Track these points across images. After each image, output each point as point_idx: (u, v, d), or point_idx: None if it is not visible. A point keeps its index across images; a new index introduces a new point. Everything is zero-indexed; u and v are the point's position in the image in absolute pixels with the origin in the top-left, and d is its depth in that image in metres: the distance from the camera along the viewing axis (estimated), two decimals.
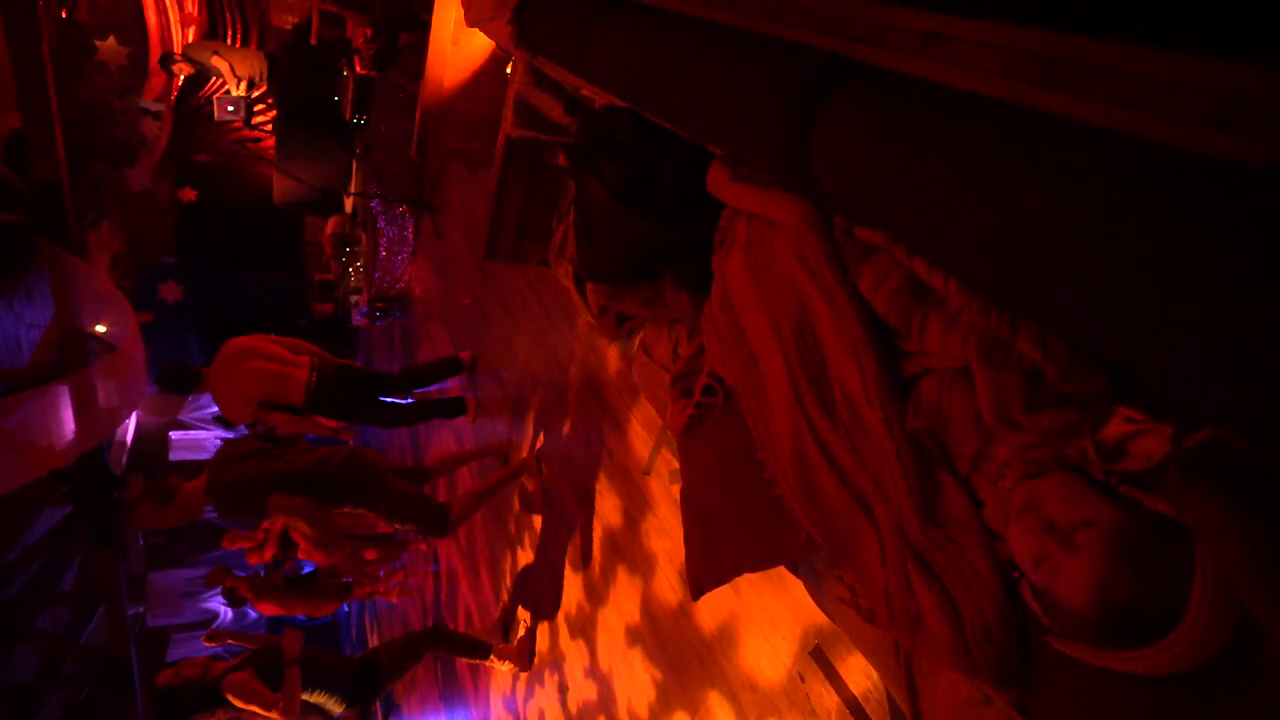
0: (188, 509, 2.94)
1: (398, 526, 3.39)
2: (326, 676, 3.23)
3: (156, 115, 7.66)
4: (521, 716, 3.84)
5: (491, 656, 3.73)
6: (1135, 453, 0.66)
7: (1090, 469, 0.72)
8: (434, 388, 4.88)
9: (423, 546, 5.86)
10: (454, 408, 4.60)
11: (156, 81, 7.60)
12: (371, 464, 3.21)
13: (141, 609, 10.56)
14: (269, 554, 5.09)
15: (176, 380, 3.73)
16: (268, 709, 2.92)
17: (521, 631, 3.75)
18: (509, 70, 2.29)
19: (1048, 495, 0.72)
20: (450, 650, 3.79)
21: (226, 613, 12.36)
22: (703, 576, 1.35)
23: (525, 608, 3.80)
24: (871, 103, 0.79)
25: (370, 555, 5.90)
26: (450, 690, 5.28)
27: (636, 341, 1.90)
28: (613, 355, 3.05)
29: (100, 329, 6.31)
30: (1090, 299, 0.62)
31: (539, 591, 3.65)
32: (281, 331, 4.32)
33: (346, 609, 10.31)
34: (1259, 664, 0.60)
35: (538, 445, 3.70)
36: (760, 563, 1.24)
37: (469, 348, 4.79)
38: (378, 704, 6.72)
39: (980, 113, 0.71)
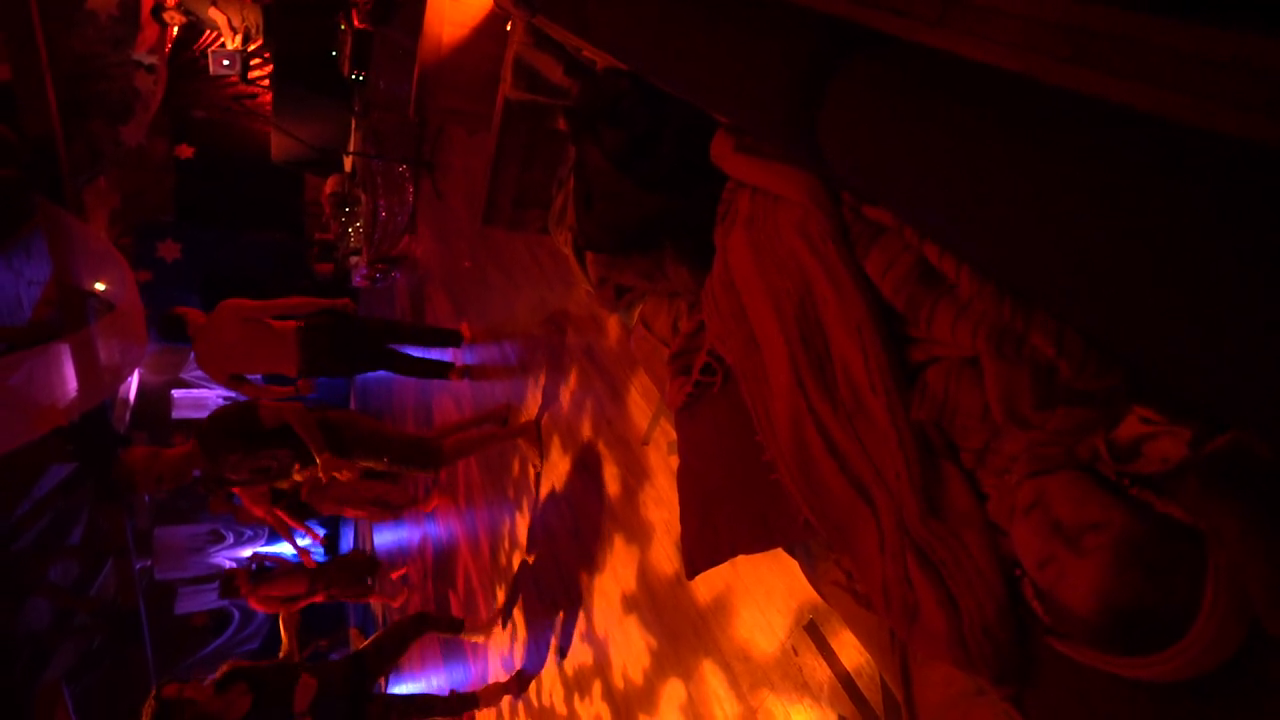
0: (176, 470, 3.00)
1: (393, 469, 3.46)
2: (327, 710, 3.37)
3: (151, 69, 7.48)
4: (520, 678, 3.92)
5: (464, 631, 4.13)
6: (1150, 455, 0.63)
7: (1101, 468, 0.69)
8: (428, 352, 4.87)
9: (429, 508, 5.92)
10: (439, 369, 4.60)
11: (150, 33, 7.39)
12: (358, 418, 3.29)
13: (149, 563, 10.76)
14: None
15: (165, 327, 3.81)
16: None
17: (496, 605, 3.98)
18: (508, 28, 2.20)
19: (1056, 494, 0.70)
20: (435, 629, 4.13)
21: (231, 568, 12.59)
22: (698, 556, 1.34)
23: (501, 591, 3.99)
24: (886, 75, 0.75)
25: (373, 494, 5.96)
26: (449, 650, 5.39)
27: (636, 314, 1.87)
28: (613, 324, 3.01)
29: (99, 287, 6.26)
30: (1111, 291, 0.58)
31: (536, 556, 3.68)
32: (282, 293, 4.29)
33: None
34: (1267, 675, 0.58)
35: (536, 412, 3.69)
36: (756, 545, 1.22)
37: (469, 321, 4.77)
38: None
39: (1001, 89, 0.66)
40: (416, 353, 4.75)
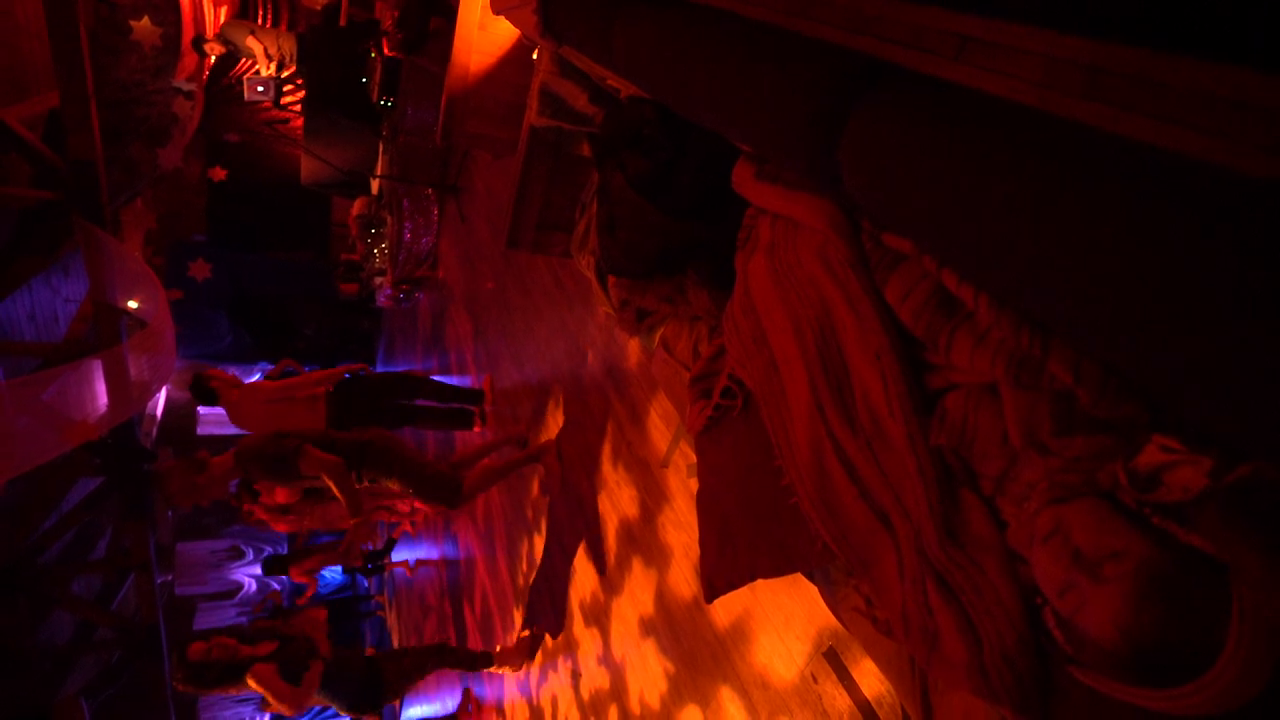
0: (216, 483, 3.10)
1: (411, 497, 3.58)
2: (337, 684, 3.44)
3: (189, 95, 7.75)
4: (535, 700, 3.89)
5: (494, 664, 4.10)
6: (1171, 484, 0.63)
7: (1122, 496, 0.69)
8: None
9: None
10: (463, 419, 4.68)
11: (189, 61, 7.68)
12: (389, 440, 3.35)
13: (170, 578, 10.87)
14: (285, 526, 5.29)
15: (198, 392, 4.17)
16: (279, 701, 3.12)
17: (524, 634, 3.97)
18: (535, 57, 2.26)
19: (1075, 522, 0.70)
20: (455, 665, 4.12)
21: (250, 584, 12.71)
22: (717, 579, 1.34)
23: (533, 619, 4.01)
24: (904, 108, 0.76)
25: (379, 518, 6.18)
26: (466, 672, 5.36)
27: (657, 337, 1.88)
28: (633, 346, 3.03)
29: (132, 305, 6.43)
30: (1126, 324, 0.59)
31: (554, 578, 3.68)
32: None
33: (365, 584, 10.52)
34: None
35: (556, 433, 3.71)
36: (775, 570, 1.22)
37: (490, 375, 4.87)
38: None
39: (1018, 121, 0.68)
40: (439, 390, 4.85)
